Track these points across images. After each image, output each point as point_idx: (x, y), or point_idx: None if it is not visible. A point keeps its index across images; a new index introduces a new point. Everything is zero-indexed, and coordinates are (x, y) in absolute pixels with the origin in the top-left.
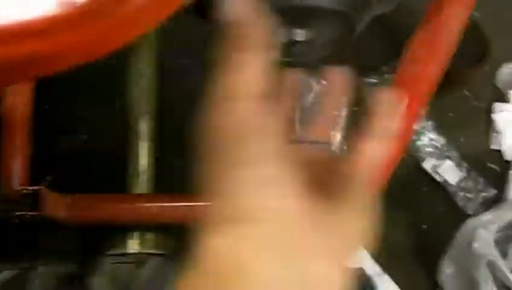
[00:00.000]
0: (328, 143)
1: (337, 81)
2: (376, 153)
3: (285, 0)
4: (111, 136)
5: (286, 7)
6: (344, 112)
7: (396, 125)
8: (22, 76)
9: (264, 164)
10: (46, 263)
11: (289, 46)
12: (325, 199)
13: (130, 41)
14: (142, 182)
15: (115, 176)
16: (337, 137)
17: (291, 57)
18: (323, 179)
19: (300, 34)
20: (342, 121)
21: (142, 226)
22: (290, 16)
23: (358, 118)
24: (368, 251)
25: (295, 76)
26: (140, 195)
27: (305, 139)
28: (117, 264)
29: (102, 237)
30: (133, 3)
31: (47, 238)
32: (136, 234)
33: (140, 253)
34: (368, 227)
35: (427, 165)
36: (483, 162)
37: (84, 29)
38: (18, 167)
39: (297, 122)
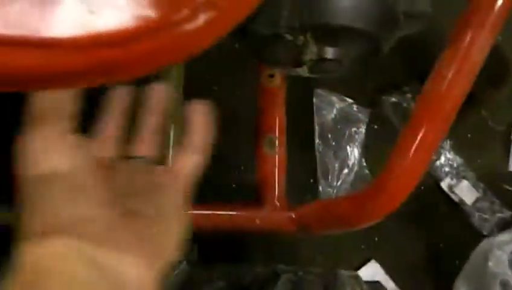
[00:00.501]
0: (152, 159)
1: (160, 97)
2: (189, 164)
3: (318, 19)
4: None
5: (318, 25)
6: (168, 128)
7: (206, 139)
8: (95, 81)
9: (71, 177)
10: None
11: (318, 63)
12: (139, 207)
13: (191, 56)
14: None
15: None
16: (161, 153)
17: (319, 74)
18: (139, 188)
19: (329, 52)
20: (165, 138)
21: None
22: (322, 34)
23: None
24: (382, 266)
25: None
26: None
27: (129, 155)
28: None
29: None
30: (199, 21)
31: None
32: None
33: None
34: (180, 233)
35: (444, 184)
36: (499, 184)
37: (153, 41)
38: None
39: (120, 140)
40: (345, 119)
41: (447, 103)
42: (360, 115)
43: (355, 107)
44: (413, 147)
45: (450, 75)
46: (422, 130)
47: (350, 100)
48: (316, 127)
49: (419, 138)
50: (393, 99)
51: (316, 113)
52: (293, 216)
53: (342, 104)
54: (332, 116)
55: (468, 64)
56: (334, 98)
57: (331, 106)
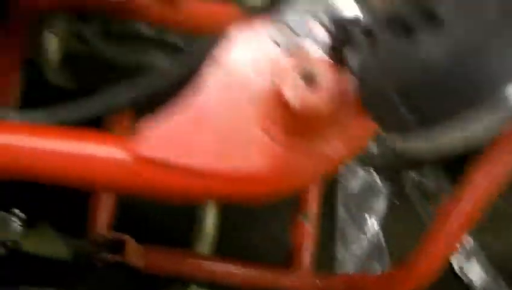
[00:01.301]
0: None
1: None
2: None
3: None
4: None
5: None
6: None
7: None
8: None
9: None
10: None
11: None
12: None
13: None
14: (206, 243)
15: (174, 231)
16: None
17: None
18: None
19: None
20: None
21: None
22: None
23: None
24: None
25: None
26: (210, 256)
27: None
28: None
29: (161, 283)
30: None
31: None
32: (193, 287)
33: None
34: None
35: (455, 263)
36: (510, 269)
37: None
38: (105, 212)
39: None
40: (367, 189)
41: (475, 208)
42: (381, 187)
43: (378, 179)
44: (441, 242)
45: (483, 184)
46: (450, 228)
47: (373, 172)
48: (338, 193)
49: (446, 234)
50: (414, 176)
51: (340, 180)
52: (319, 284)
53: (365, 175)
54: (355, 185)
55: (499, 175)
56: (358, 168)
57: (355, 175)
